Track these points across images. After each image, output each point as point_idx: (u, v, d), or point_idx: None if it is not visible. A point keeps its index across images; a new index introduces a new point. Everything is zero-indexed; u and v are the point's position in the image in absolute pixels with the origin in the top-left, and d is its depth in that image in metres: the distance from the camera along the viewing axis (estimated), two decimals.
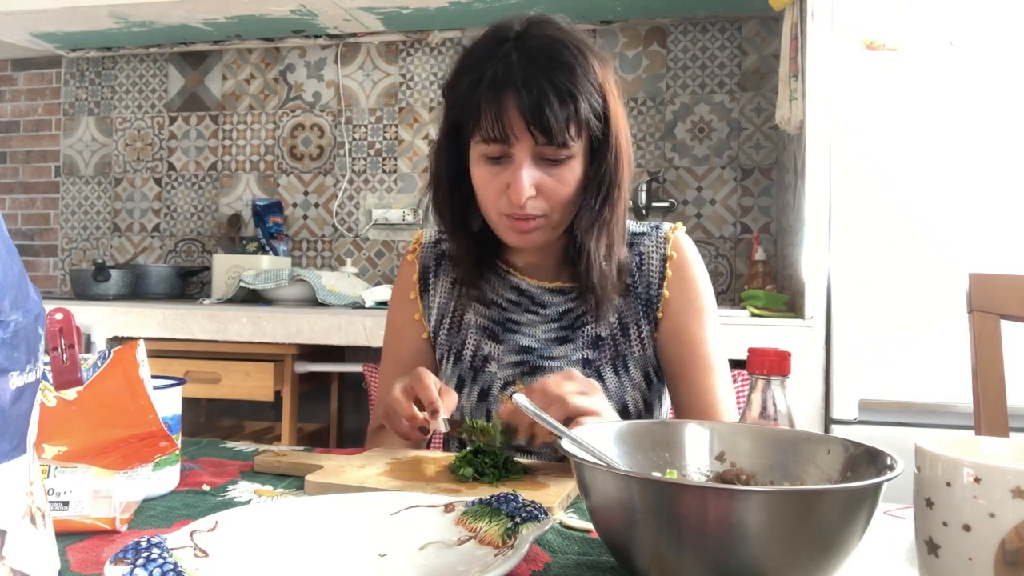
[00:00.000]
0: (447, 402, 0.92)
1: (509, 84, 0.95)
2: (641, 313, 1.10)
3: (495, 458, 0.85)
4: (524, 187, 0.97)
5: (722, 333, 1.12)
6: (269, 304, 2.31)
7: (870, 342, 1.69)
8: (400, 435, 0.96)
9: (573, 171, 1.00)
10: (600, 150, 1.01)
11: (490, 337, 1.12)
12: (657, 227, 1.14)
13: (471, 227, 1.09)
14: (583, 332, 1.10)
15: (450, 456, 0.90)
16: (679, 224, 1.16)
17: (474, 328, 1.13)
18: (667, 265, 1.10)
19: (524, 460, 0.91)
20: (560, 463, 0.95)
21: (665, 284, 1.10)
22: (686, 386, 1.08)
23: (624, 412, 1.08)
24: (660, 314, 1.10)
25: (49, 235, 3.03)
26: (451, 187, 1.08)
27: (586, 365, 1.08)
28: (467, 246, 1.10)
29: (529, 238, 1.03)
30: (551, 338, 1.10)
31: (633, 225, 1.15)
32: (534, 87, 0.94)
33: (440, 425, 0.92)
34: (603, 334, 1.09)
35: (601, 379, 1.08)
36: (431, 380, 0.93)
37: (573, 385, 0.86)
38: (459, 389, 1.12)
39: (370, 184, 2.75)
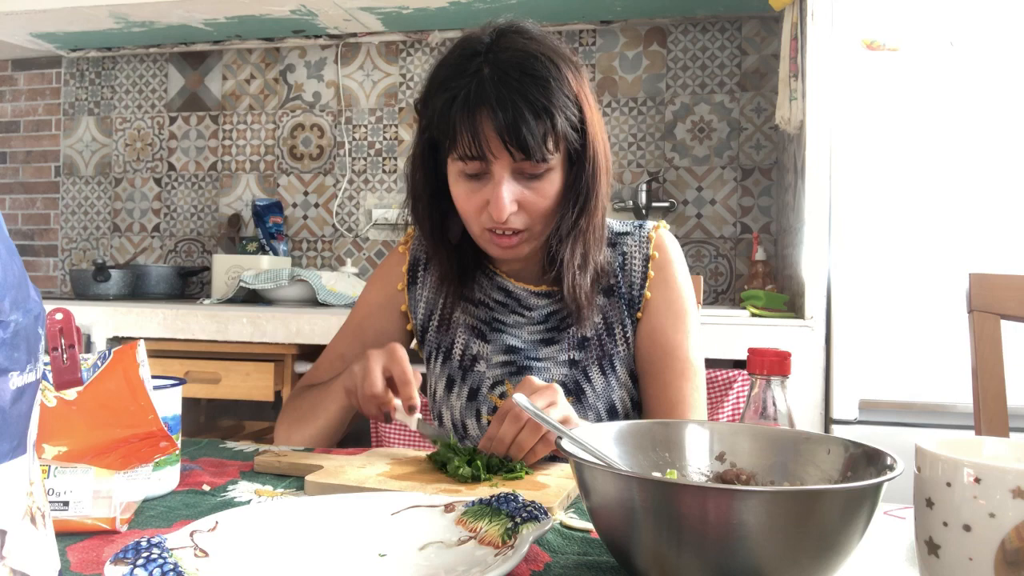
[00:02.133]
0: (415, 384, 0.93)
1: (483, 103, 0.94)
2: (625, 313, 1.10)
3: (495, 458, 0.85)
4: (505, 204, 0.96)
5: (702, 336, 1.12)
6: (269, 304, 2.31)
7: (870, 342, 1.69)
8: (362, 410, 0.96)
9: (552, 183, 0.99)
10: (578, 160, 1.01)
11: (478, 336, 1.13)
12: (640, 226, 1.14)
13: (451, 239, 1.09)
14: (569, 333, 1.10)
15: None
16: (662, 223, 1.15)
17: (463, 327, 1.14)
18: (649, 265, 1.10)
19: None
20: (560, 462, 0.95)
21: (647, 285, 1.10)
22: (658, 388, 1.08)
23: (612, 411, 1.08)
24: (640, 314, 1.10)
25: (49, 235, 3.03)
26: (429, 202, 1.07)
27: (572, 366, 1.09)
28: (448, 260, 1.10)
29: (513, 252, 1.03)
30: (537, 339, 1.11)
31: (616, 224, 1.15)
32: (509, 105, 0.93)
33: (411, 422, 0.92)
34: (589, 334, 1.10)
35: (588, 379, 1.08)
36: (411, 371, 0.92)
37: (541, 400, 0.86)
38: (449, 388, 1.12)
39: (370, 184, 2.75)
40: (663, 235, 1.13)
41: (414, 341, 1.21)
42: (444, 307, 1.15)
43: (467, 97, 0.94)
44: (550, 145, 0.95)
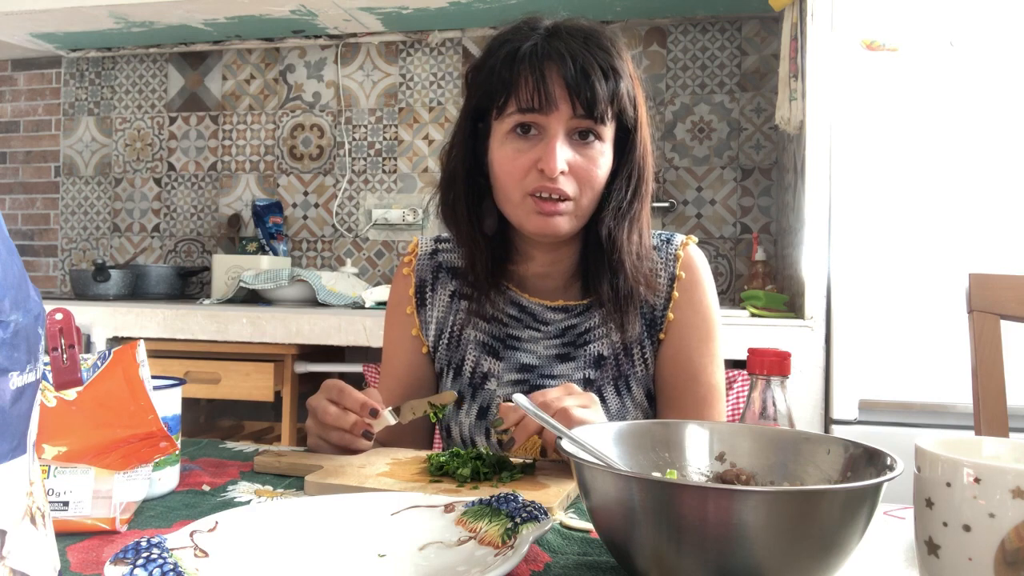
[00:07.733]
0: (374, 396, 0.90)
1: (552, 54, 0.96)
2: (645, 332, 1.07)
3: (494, 459, 0.85)
4: (558, 158, 0.95)
5: (722, 359, 1.09)
6: (269, 304, 2.31)
7: (870, 342, 1.69)
8: (344, 449, 0.92)
9: (604, 155, 0.99)
10: (630, 141, 1.02)
11: (490, 353, 1.09)
12: (668, 240, 1.10)
13: (484, 229, 1.05)
14: (585, 350, 1.07)
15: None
16: (691, 238, 1.11)
17: (474, 344, 1.10)
18: (675, 286, 1.07)
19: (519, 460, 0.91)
20: (558, 463, 0.95)
21: (671, 306, 1.07)
22: (677, 413, 1.05)
23: None
24: (662, 335, 1.07)
25: (49, 235, 3.03)
26: (467, 181, 1.04)
27: (587, 385, 1.06)
28: (481, 248, 1.05)
29: (553, 222, 0.98)
30: (552, 355, 1.08)
31: None
32: (579, 57, 0.95)
33: (388, 418, 0.91)
34: (606, 353, 1.06)
35: (603, 399, 1.05)
36: (349, 387, 0.90)
37: (574, 399, 0.85)
38: (458, 405, 1.09)
39: (370, 184, 2.75)
40: (692, 253, 1.09)
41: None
42: (454, 322, 1.12)
43: (534, 49, 0.96)
44: (610, 109, 0.97)
